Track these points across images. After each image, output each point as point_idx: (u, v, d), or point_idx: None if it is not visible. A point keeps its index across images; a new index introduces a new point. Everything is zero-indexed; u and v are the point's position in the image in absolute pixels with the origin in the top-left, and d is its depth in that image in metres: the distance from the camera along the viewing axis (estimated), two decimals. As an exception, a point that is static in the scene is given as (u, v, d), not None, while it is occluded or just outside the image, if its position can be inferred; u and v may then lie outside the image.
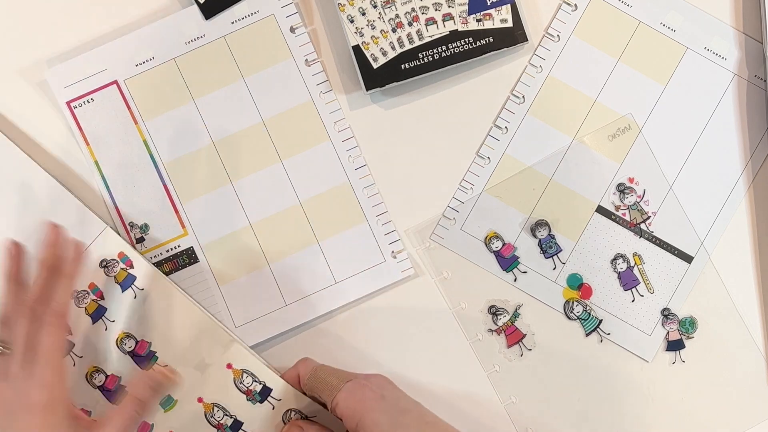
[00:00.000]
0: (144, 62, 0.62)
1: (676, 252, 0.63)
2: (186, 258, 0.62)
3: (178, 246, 0.62)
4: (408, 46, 0.61)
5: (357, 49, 0.61)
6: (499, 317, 0.62)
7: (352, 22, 0.61)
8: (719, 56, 0.64)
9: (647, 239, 0.63)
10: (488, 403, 0.62)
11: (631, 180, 0.63)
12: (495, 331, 0.62)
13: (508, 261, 0.62)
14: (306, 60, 0.63)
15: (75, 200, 0.61)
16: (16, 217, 0.60)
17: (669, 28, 0.64)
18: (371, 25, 0.61)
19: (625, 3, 0.64)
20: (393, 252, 0.62)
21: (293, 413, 0.59)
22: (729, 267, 0.63)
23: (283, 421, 0.58)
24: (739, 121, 0.64)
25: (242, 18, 0.62)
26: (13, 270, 0.55)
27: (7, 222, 0.60)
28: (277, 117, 0.62)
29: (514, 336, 0.62)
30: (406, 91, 0.63)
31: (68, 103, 0.62)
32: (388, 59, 0.61)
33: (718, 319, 0.63)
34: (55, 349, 0.53)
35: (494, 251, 0.62)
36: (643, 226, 0.63)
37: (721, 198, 0.63)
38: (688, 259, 0.63)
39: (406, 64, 0.61)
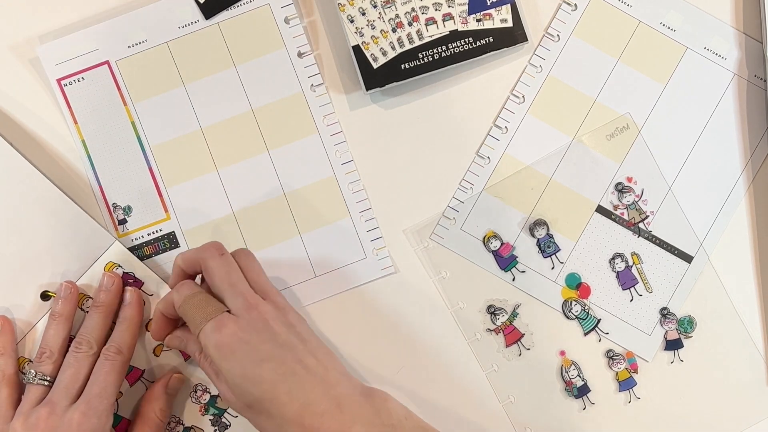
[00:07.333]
0: (137, 44, 0.62)
1: (675, 252, 0.63)
2: (167, 242, 0.62)
3: (160, 230, 0.62)
4: (408, 46, 0.61)
5: (357, 49, 0.61)
6: (497, 317, 0.62)
7: (352, 22, 0.61)
8: (719, 56, 0.64)
9: (646, 238, 0.63)
10: (487, 402, 0.62)
11: (629, 179, 0.63)
12: (493, 330, 0.62)
13: (506, 260, 0.62)
14: (299, 52, 0.63)
15: (82, 213, 0.61)
16: (14, 225, 0.60)
17: (669, 27, 0.64)
18: (371, 25, 0.61)
19: (625, 3, 0.64)
20: (374, 249, 0.62)
21: None
22: (728, 267, 0.63)
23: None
24: (739, 121, 0.64)
25: (237, 6, 0.63)
26: (66, 309, 0.57)
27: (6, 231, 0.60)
28: (267, 107, 0.62)
29: (512, 335, 0.62)
30: (406, 91, 0.63)
31: (59, 81, 0.62)
32: (388, 59, 0.61)
33: (717, 319, 0.63)
34: (108, 384, 0.54)
35: (492, 251, 0.62)
36: (641, 225, 0.63)
37: (721, 198, 0.63)
38: (687, 258, 0.63)
39: (406, 64, 0.61)
